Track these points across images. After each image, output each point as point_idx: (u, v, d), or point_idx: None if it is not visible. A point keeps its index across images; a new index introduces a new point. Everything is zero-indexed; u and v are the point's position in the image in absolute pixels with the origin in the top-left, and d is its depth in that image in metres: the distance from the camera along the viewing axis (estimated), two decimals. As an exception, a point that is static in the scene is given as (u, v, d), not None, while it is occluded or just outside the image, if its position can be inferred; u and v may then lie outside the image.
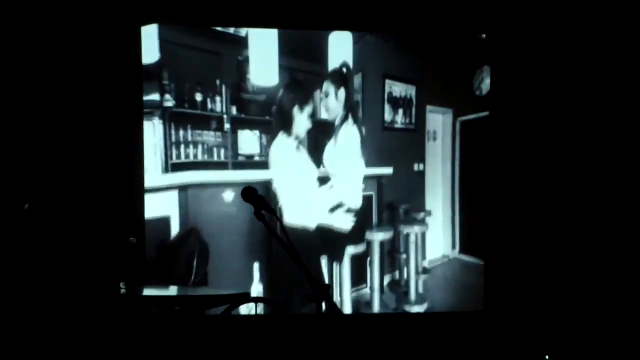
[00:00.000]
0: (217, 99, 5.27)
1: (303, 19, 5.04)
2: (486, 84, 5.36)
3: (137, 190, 4.84)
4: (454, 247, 5.58)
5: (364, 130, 5.37)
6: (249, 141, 5.28)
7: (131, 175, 4.81)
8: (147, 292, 3.77)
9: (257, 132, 5.32)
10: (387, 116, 5.53)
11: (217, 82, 5.26)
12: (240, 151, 5.29)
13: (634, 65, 5.04)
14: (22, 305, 4.05)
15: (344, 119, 5.36)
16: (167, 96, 5.08)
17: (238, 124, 5.30)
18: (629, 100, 5.06)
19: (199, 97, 5.20)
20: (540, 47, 5.11)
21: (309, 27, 5.12)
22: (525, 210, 5.12)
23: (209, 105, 5.26)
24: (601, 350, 4.94)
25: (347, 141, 5.35)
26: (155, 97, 5.06)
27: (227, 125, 5.28)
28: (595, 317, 5.03)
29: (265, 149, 5.30)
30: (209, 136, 5.26)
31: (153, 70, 5.06)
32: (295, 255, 2.84)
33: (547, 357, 4.89)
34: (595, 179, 5.09)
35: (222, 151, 5.27)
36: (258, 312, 4.33)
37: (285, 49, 5.26)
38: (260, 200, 2.89)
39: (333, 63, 5.37)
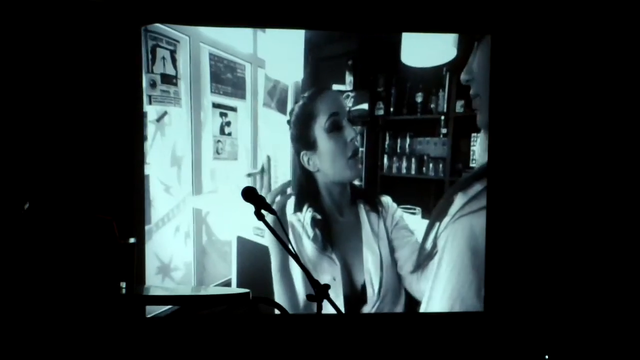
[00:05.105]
0: (441, 94, 4.21)
1: (314, 19, 4.95)
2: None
3: (137, 190, 4.84)
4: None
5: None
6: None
7: (132, 176, 4.81)
8: (147, 292, 3.77)
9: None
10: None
11: (444, 69, 4.21)
12: (474, 163, 4.18)
13: (633, 65, 5.06)
14: (22, 306, 4.05)
15: None
16: (380, 104, 4.22)
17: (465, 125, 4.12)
18: (628, 100, 5.07)
19: (419, 97, 4.24)
20: (537, 47, 5.12)
21: (317, 28, 5.02)
22: (525, 210, 5.12)
23: (431, 105, 4.21)
24: (601, 350, 4.94)
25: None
26: (363, 106, 4.23)
27: (443, 130, 4.16)
28: (595, 317, 5.03)
29: None
30: (429, 144, 4.17)
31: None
32: (295, 255, 2.85)
33: (547, 357, 4.90)
34: (595, 178, 5.09)
35: (440, 165, 4.19)
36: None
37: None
38: (260, 200, 2.90)
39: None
